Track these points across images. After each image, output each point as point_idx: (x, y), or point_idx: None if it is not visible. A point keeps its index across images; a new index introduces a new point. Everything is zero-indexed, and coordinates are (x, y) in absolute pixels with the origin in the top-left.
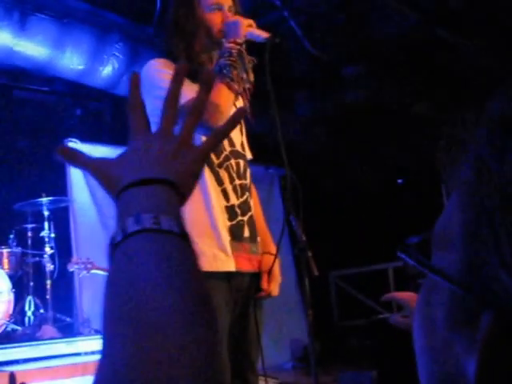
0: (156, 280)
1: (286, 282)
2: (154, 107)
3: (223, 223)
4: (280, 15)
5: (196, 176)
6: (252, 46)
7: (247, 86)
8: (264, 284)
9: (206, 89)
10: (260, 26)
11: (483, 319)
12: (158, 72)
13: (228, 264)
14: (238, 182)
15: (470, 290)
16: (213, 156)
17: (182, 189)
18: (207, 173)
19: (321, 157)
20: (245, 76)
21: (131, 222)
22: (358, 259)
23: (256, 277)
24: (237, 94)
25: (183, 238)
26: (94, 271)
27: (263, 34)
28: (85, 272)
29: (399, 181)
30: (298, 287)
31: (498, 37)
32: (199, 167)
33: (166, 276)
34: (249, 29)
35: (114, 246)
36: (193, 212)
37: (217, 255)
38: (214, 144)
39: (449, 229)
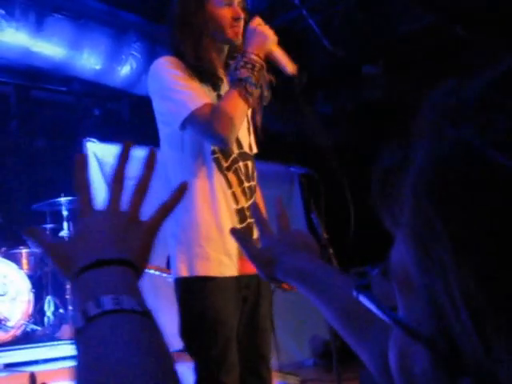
0: (123, 361)
1: None
2: (161, 108)
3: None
4: (298, 13)
5: (148, 250)
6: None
7: (263, 103)
8: None
9: (149, 167)
10: (277, 26)
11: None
12: (167, 72)
13: (232, 269)
14: (246, 184)
15: (441, 356)
16: (221, 159)
17: (136, 265)
18: (215, 176)
19: (341, 154)
20: (262, 93)
21: (92, 305)
22: (378, 256)
23: (256, 277)
24: (250, 108)
25: (146, 315)
26: None
27: (289, 67)
28: None
29: None
30: None
31: None
32: (150, 242)
33: (133, 356)
34: (277, 51)
35: (77, 332)
36: (199, 216)
37: (222, 260)
38: (161, 219)
39: (407, 270)
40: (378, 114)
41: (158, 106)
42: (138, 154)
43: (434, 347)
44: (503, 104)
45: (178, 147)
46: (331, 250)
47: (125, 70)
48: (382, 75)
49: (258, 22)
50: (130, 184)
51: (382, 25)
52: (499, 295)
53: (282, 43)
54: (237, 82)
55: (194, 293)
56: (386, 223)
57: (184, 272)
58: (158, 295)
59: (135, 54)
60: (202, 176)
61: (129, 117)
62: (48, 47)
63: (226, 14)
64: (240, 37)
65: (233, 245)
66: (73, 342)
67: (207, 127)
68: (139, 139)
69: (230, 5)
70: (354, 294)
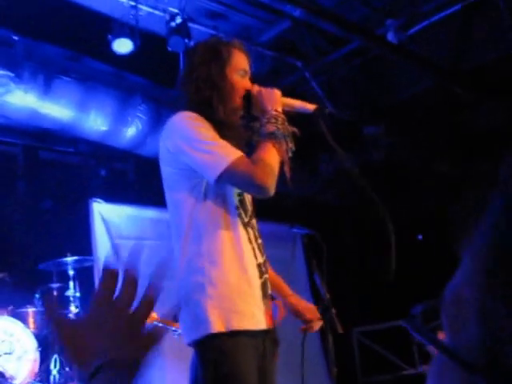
0: None
1: (309, 338)
2: (190, 160)
3: (256, 281)
4: (301, 76)
5: (142, 358)
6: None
7: (289, 154)
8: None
9: (157, 284)
10: (280, 88)
11: None
12: (191, 124)
13: (262, 322)
14: (259, 240)
15: (486, 378)
16: (243, 214)
17: (134, 369)
18: (240, 230)
19: (343, 214)
20: (288, 145)
21: None
22: (380, 315)
23: (271, 332)
24: (281, 160)
25: None
26: None
27: (308, 106)
28: None
29: (419, 237)
30: (320, 342)
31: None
32: (146, 350)
33: None
34: (290, 101)
35: None
36: (229, 270)
37: (255, 314)
38: (159, 339)
39: (462, 299)
40: (380, 175)
41: (184, 158)
42: (144, 214)
43: (490, 378)
44: None
45: (200, 202)
46: (334, 311)
47: (130, 131)
48: (384, 136)
49: (258, 88)
50: (140, 244)
51: (383, 86)
52: None
53: None
54: (267, 136)
55: (224, 351)
56: (461, 250)
57: (219, 327)
58: (161, 350)
59: (141, 115)
60: (229, 230)
61: (134, 177)
62: (56, 109)
63: (241, 82)
64: (241, 107)
65: (259, 298)
66: None
67: (250, 178)
68: (145, 199)
69: (244, 76)
70: (402, 324)
